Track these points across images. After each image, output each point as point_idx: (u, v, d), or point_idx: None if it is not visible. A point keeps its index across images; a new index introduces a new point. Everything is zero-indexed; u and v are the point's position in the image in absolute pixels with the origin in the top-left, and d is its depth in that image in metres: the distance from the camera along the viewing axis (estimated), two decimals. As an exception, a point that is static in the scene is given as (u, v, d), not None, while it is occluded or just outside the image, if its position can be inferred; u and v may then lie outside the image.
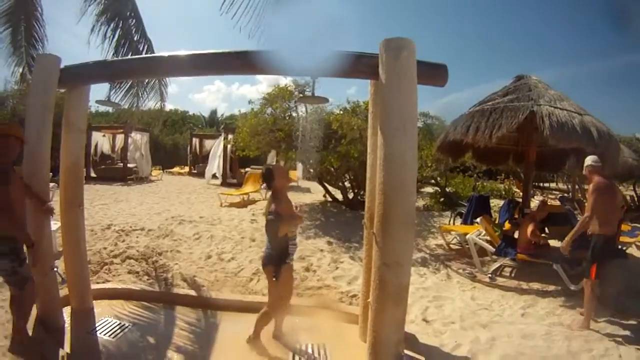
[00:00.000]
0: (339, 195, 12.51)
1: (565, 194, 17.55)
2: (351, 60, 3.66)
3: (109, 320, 4.55)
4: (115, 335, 4.23)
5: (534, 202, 8.34)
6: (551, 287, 6.07)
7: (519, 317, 5.24)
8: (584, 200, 14.87)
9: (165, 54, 4.23)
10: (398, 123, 3.35)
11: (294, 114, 11.75)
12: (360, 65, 3.66)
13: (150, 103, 8.46)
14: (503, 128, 6.60)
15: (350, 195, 12.55)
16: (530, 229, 6.54)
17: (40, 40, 7.55)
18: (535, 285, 6.17)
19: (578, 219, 8.61)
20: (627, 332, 4.66)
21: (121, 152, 21.43)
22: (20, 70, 7.53)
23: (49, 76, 4.21)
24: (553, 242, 8.25)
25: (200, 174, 21.01)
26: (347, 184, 12.82)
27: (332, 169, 10.98)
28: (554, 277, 6.15)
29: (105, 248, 7.15)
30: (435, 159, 11.55)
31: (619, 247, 7.08)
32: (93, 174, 19.09)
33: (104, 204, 11.51)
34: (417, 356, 3.93)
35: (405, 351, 3.85)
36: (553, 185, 24.56)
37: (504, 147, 9.12)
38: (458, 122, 7.41)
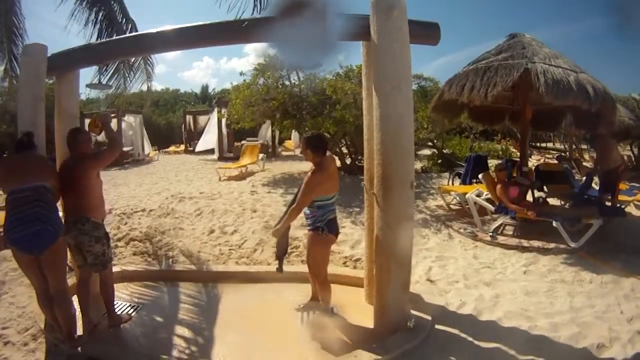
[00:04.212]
0: (337, 162, 12.47)
1: (563, 153, 17.54)
2: (341, 23, 3.61)
3: (118, 303, 4.55)
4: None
5: (532, 162, 8.36)
6: (552, 245, 6.09)
7: (521, 274, 5.28)
8: (581, 160, 14.90)
9: (153, 30, 4.19)
10: (393, 82, 3.34)
11: (286, 82, 11.64)
12: (351, 28, 3.62)
13: (137, 84, 8.38)
14: (498, 86, 6.55)
15: (348, 161, 12.54)
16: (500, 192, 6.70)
17: (20, 35, 7.38)
18: (536, 243, 6.20)
19: (577, 177, 8.64)
20: (628, 289, 4.69)
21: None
22: (3, 66, 7.40)
23: (37, 66, 4.15)
24: (552, 201, 8.31)
25: (200, 151, 20.69)
26: (344, 149, 12.78)
27: (328, 135, 10.94)
28: (554, 234, 6.17)
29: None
30: (431, 120, 11.48)
31: (618, 205, 7.15)
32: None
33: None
34: (423, 316, 3.97)
35: (412, 311, 3.91)
36: (550, 145, 24.49)
37: (499, 106, 9.05)
38: (453, 81, 7.33)
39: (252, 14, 4.74)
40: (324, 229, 3.87)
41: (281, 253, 4.19)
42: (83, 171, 3.81)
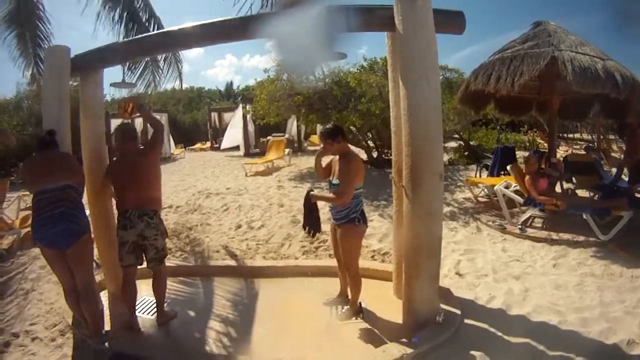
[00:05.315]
0: (363, 155, 12.39)
1: (590, 144, 17.13)
2: (365, 13, 3.60)
3: (146, 298, 4.64)
4: (154, 313, 4.28)
5: (559, 153, 8.17)
6: (581, 238, 5.95)
7: (550, 267, 5.19)
8: (609, 150, 14.50)
9: (175, 27, 4.22)
10: (420, 73, 3.32)
11: (311, 77, 11.60)
12: (375, 18, 3.60)
13: (168, 81, 8.48)
14: (525, 75, 6.42)
15: (375, 154, 12.48)
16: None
17: (46, 38, 7.54)
18: (565, 236, 6.06)
19: (605, 168, 8.39)
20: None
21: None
22: (30, 71, 7.56)
23: (60, 67, 4.21)
24: (581, 192, 8.13)
25: (225, 148, 20.76)
26: (370, 143, 12.74)
27: (354, 128, 10.88)
28: (583, 227, 6.04)
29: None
30: (457, 112, 11.34)
31: None
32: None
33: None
34: (452, 309, 3.95)
35: (441, 305, 3.88)
36: (577, 135, 24.00)
37: (526, 96, 8.88)
38: (479, 72, 7.21)
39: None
40: (360, 219, 3.88)
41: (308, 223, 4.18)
42: (150, 163, 3.93)
